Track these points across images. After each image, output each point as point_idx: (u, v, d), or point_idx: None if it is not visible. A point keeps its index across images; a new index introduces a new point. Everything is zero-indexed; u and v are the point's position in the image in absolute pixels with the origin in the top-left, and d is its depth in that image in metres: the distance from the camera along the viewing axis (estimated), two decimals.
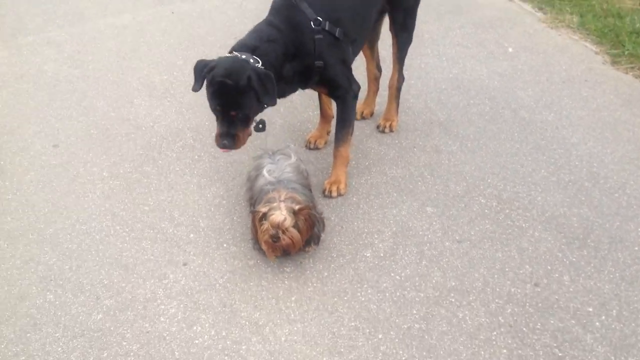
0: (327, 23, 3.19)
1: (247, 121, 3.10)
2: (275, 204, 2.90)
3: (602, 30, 4.73)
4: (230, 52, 3.06)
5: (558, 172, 3.52)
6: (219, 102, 3.01)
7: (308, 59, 3.20)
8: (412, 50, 3.83)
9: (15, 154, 3.87)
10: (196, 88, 3.06)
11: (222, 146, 3.09)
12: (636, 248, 3.06)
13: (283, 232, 2.87)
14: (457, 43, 4.78)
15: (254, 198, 3.14)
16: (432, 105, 4.07)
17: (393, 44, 3.79)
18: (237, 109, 3.02)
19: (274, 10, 3.25)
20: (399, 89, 3.91)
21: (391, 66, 3.86)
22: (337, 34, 3.23)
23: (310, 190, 3.23)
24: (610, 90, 4.15)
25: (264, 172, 3.13)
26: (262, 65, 3.00)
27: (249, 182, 3.23)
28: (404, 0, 3.70)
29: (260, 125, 3.27)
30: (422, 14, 4.76)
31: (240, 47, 3.07)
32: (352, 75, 3.37)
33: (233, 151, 3.25)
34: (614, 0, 5.08)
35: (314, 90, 3.46)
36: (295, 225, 2.89)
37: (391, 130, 3.94)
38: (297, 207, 2.89)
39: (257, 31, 3.16)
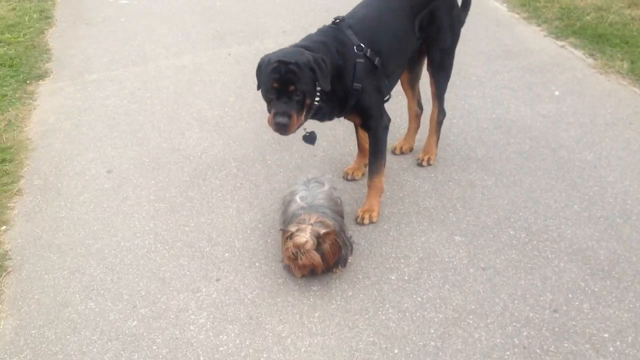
0: (369, 50, 3.36)
1: (303, 102, 3.14)
2: (303, 226, 3.05)
3: None
4: None
5: (590, 208, 3.54)
6: (277, 78, 3.06)
7: (347, 80, 3.34)
8: (457, 91, 3.97)
9: (72, 177, 4.13)
10: (259, 86, 3.22)
11: (277, 125, 3.13)
12: None
13: (303, 253, 3.00)
14: (504, 86, 4.86)
15: (287, 222, 3.28)
16: (471, 143, 4.16)
17: (431, 83, 3.91)
18: (296, 84, 3.05)
19: (319, 32, 3.40)
20: (439, 124, 4.02)
21: (430, 101, 4.00)
22: (376, 62, 3.38)
23: (342, 216, 3.35)
24: None
25: (297, 197, 3.28)
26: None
27: (283, 206, 3.38)
28: (440, 41, 3.82)
29: (309, 134, 3.47)
30: (471, 58, 4.95)
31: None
32: (384, 108, 3.53)
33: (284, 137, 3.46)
34: None
35: (349, 119, 3.60)
36: (319, 249, 3.03)
37: (429, 164, 4.05)
38: (323, 232, 3.02)
39: (306, 39, 3.33)
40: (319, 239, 3.02)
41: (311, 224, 3.06)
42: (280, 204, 3.46)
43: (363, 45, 3.36)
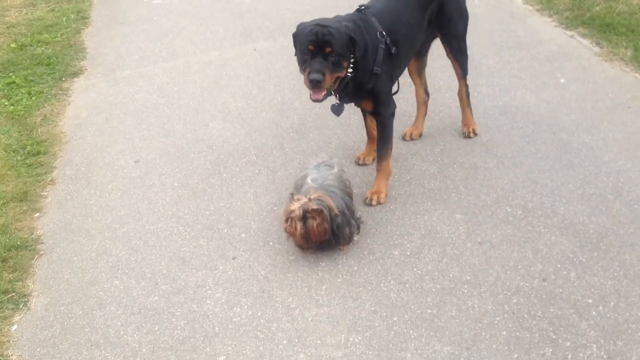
0: (389, 39, 3.66)
1: (338, 65, 3.38)
2: (302, 196, 3.35)
3: None
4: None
5: (584, 186, 3.78)
6: (313, 40, 3.31)
7: (370, 62, 3.60)
8: (468, 81, 4.26)
9: (101, 167, 4.48)
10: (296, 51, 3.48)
11: (311, 82, 3.35)
12: None
13: (288, 219, 3.30)
14: (512, 75, 5.10)
15: None
16: (476, 128, 4.39)
17: (455, 66, 4.31)
18: (333, 46, 3.29)
19: (349, 15, 3.67)
20: (468, 97, 4.37)
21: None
22: (392, 51, 3.70)
23: (350, 197, 3.63)
24: None
25: (308, 179, 3.54)
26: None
27: (295, 190, 3.65)
28: (453, 29, 4.18)
29: (338, 105, 3.76)
30: (484, 49, 5.23)
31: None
32: (392, 97, 3.80)
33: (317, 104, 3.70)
34: None
35: (361, 105, 3.89)
36: (305, 223, 3.32)
37: (475, 134, 4.43)
38: (311, 208, 3.28)
39: (337, 17, 3.60)
40: (306, 214, 3.28)
41: (309, 198, 3.31)
42: (293, 187, 3.71)
43: (384, 33, 3.64)
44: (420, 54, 4.25)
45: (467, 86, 4.35)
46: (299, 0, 7.11)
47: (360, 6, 3.74)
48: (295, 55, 3.54)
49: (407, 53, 3.97)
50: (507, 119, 4.50)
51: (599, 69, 5.04)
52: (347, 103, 3.80)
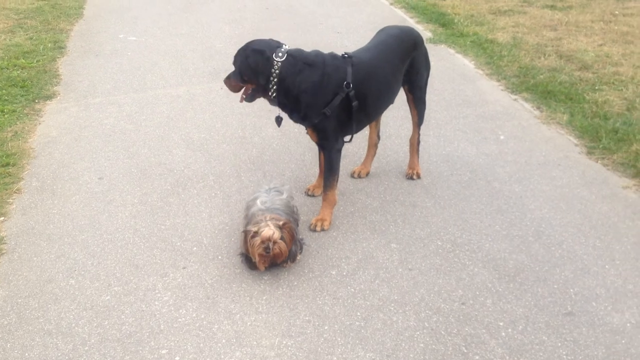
0: (353, 92, 4.02)
1: (236, 76, 4.12)
2: (262, 223, 3.63)
3: (586, 128, 5.39)
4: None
5: (509, 228, 4.18)
6: (235, 56, 4.07)
7: (321, 100, 4.00)
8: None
9: (66, 181, 4.79)
10: None
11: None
12: (555, 286, 3.66)
13: (273, 243, 3.57)
14: (458, 129, 5.54)
15: (247, 222, 3.86)
16: (420, 172, 4.81)
17: (413, 114, 4.76)
18: (234, 62, 4.14)
19: (332, 53, 4.12)
20: (418, 144, 4.79)
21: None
22: (353, 104, 4.06)
23: (296, 222, 3.98)
24: (577, 174, 4.81)
25: (258, 202, 3.87)
26: (283, 58, 3.94)
27: (246, 210, 3.99)
28: (419, 81, 4.60)
29: (278, 117, 4.26)
30: (435, 104, 5.71)
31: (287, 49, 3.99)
32: (340, 137, 4.19)
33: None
34: (604, 105, 5.74)
35: (308, 134, 4.20)
36: (282, 238, 3.60)
37: (418, 177, 4.81)
38: (281, 223, 3.62)
39: (314, 51, 4.12)
40: (281, 229, 3.60)
41: (268, 221, 3.63)
42: (244, 208, 4.05)
43: (351, 86, 4.00)
44: None
45: (419, 134, 4.78)
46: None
47: (345, 54, 4.07)
48: None
49: (376, 109, 4.36)
50: (447, 166, 4.91)
51: (537, 130, 5.49)
52: (296, 123, 4.25)
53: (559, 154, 5.07)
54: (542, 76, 6.49)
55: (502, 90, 6.40)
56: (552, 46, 7.46)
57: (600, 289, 3.61)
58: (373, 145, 4.76)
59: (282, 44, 3.96)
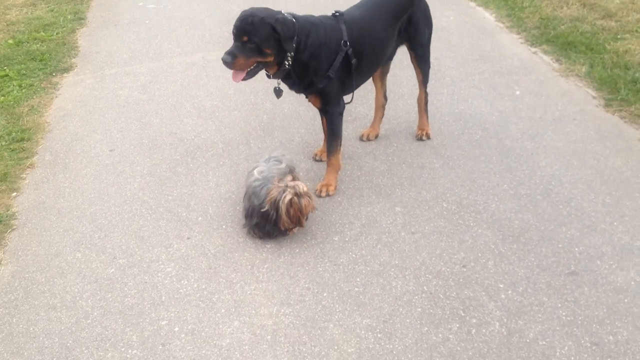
0: (351, 49, 3.95)
1: (253, 51, 3.66)
2: (289, 189, 3.68)
3: (606, 79, 5.23)
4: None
5: (517, 187, 4.10)
6: (236, 25, 3.66)
7: (324, 64, 3.90)
8: (429, 89, 4.64)
9: (78, 155, 4.83)
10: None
11: (223, 60, 3.67)
12: (560, 245, 3.59)
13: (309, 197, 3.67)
14: (473, 86, 5.43)
15: (245, 192, 3.89)
16: (430, 132, 4.74)
17: (417, 73, 4.63)
18: (249, 35, 3.60)
19: (321, 16, 3.99)
20: (426, 103, 4.71)
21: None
22: (352, 62, 3.99)
23: None
24: (592, 128, 4.69)
25: (255, 171, 3.84)
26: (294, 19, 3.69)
27: (246, 179, 4.00)
28: (420, 38, 4.49)
29: (277, 88, 4.09)
30: (450, 61, 5.60)
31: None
32: (342, 98, 4.12)
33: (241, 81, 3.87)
34: (625, 54, 5.57)
35: (311, 101, 4.15)
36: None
37: (428, 138, 4.74)
38: (289, 178, 3.78)
39: (305, 16, 3.90)
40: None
41: (285, 185, 3.70)
42: (245, 177, 4.06)
43: (348, 43, 3.93)
44: (386, 61, 4.57)
45: (426, 94, 4.67)
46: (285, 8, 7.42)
47: (335, 12, 3.98)
48: None
49: (371, 65, 4.27)
50: (459, 125, 4.83)
51: (554, 83, 5.36)
52: (298, 93, 4.14)
53: (575, 107, 4.95)
54: (563, 27, 6.32)
55: (521, 43, 6.26)
56: None
57: (606, 246, 3.54)
58: (380, 107, 4.71)
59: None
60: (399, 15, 4.24)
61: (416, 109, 4.71)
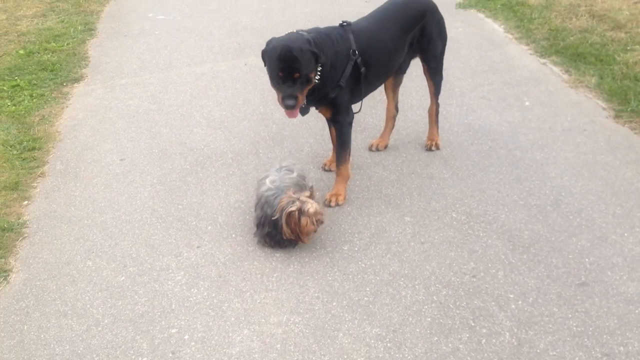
0: (360, 58, 3.96)
1: (304, 84, 3.62)
2: (298, 203, 3.65)
3: (615, 90, 5.23)
4: None
5: (527, 198, 4.10)
6: (281, 67, 3.53)
7: (336, 75, 3.86)
8: (439, 100, 4.66)
9: (89, 164, 4.85)
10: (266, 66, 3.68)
11: (287, 107, 3.60)
12: (570, 256, 3.59)
13: (319, 215, 3.64)
14: (482, 96, 5.44)
15: (257, 201, 3.90)
16: (439, 143, 4.75)
17: (429, 85, 4.63)
18: (300, 70, 3.54)
19: (328, 27, 3.93)
20: (437, 115, 4.69)
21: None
22: (361, 71, 3.99)
23: None
24: (602, 139, 4.69)
25: (267, 181, 3.85)
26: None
27: (257, 188, 4.00)
28: (433, 49, 4.50)
29: (305, 106, 3.93)
30: (460, 72, 5.61)
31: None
32: (351, 108, 4.12)
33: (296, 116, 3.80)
34: (635, 66, 5.57)
35: (321, 111, 4.14)
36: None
37: (437, 148, 4.73)
38: (307, 194, 3.74)
39: (313, 30, 3.81)
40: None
41: (298, 198, 3.68)
42: (255, 186, 4.06)
43: (357, 52, 3.93)
44: (399, 73, 4.59)
45: (438, 105, 4.67)
46: (293, 21, 7.50)
47: (343, 22, 3.98)
48: (265, 68, 3.79)
49: (379, 75, 4.26)
50: (468, 135, 4.83)
51: (564, 94, 5.36)
52: (311, 107, 4.06)
53: (584, 118, 4.95)
54: (572, 38, 6.33)
55: (530, 54, 6.26)
56: (585, 6, 7.23)
57: (617, 257, 3.53)
58: (391, 117, 4.72)
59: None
60: (408, 27, 4.25)
61: (425, 119, 4.72)
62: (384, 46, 4.15)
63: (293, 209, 3.57)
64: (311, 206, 3.58)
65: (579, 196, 4.03)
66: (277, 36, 3.72)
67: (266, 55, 3.66)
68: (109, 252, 3.87)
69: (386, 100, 4.75)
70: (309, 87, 3.68)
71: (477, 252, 3.63)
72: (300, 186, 3.88)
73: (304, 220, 3.56)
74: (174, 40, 7.25)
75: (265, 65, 3.71)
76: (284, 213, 3.58)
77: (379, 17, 4.21)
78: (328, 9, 7.87)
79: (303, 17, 7.67)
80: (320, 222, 3.64)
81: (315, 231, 3.67)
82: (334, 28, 4.00)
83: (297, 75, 3.55)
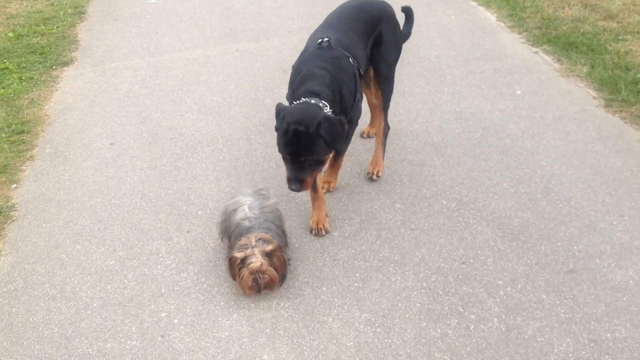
0: (357, 63, 3.70)
1: (316, 165, 3.38)
2: (249, 250, 3.25)
3: (606, 80, 5.24)
4: (298, 98, 3.34)
5: (517, 186, 4.10)
6: (289, 150, 3.28)
7: (352, 95, 3.60)
8: (430, 87, 4.66)
9: (79, 147, 4.83)
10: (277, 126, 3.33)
11: (292, 189, 3.35)
12: (559, 243, 3.60)
13: (263, 273, 3.24)
14: (473, 85, 5.43)
15: (231, 229, 3.51)
16: (431, 130, 4.74)
17: (377, 96, 4.18)
18: (307, 155, 3.27)
19: (315, 56, 3.58)
20: (384, 137, 4.29)
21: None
22: (361, 72, 3.74)
23: (284, 232, 3.61)
24: (593, 127, 4.69)
25: (245, 207, 3.49)
26: (330, 109, 3.33)
27: (225, 215, 3.61)
28: (386, 57, 4.17)
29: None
30: (452, 60, 5.61)
31: (305, 93, 3.34)
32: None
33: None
34: (626, 55, 5.58)
35: None
36: (272, 264, 3.26)
37: (378, 176, 4.30)
38: (269, 249, 3.25)
39: (311, 77, 3.45)
40: (269, 256, 3.26)
41: (254, 247, 3.27)
42: (221, 212, 3.74)
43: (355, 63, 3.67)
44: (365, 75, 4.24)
45: (387, 124, 4.30)
46: (285, 6, 7.47)
47: (321, 41, 3.62)
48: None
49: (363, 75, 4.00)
50: (459, 123, 4.83)
51: (555, 83, 5.36)
52: None
53: (575, 107, 4.95)
54: (564, 27, 6.31)
55: (522, 43, 6.25)
56: None
57: (605, 245, 3.54)
58: (375, 107, 4.63)
59: (315, 99, 3.38)
60: (368, 32, 4.00)
61: (417, 106, 4.71)
62: (360, 49, 3.91)
63: (237, 255, 3.27)
64: (255, 262, 3.22)
65: (569, 184, 4.03)
66: (285, 105, 3.48)
67: (277, 119, 3.37)
68: (98, 236, 3.86)
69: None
70: (320, 169, 3.49)
71: (466, 239, 3.63)
72: (277, 215, 3.64)
73: (244, 271, 3.26)
74: (165, 25, 7.20)
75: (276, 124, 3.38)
76: (237, 267, 3.29)
77: (342, 23, 3.95)
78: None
79: (294, 1, 7.62)
80: (265, 279, 3.28)
81: (268, 290, 3.41)
82: (323, 53, 3.62)
83: (302, 159, 3.32)
